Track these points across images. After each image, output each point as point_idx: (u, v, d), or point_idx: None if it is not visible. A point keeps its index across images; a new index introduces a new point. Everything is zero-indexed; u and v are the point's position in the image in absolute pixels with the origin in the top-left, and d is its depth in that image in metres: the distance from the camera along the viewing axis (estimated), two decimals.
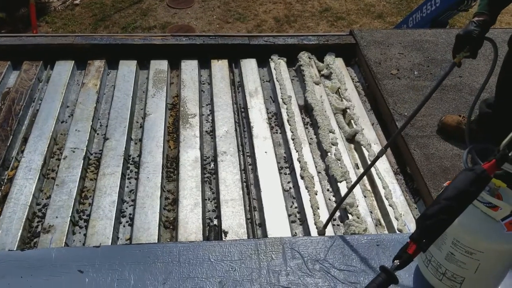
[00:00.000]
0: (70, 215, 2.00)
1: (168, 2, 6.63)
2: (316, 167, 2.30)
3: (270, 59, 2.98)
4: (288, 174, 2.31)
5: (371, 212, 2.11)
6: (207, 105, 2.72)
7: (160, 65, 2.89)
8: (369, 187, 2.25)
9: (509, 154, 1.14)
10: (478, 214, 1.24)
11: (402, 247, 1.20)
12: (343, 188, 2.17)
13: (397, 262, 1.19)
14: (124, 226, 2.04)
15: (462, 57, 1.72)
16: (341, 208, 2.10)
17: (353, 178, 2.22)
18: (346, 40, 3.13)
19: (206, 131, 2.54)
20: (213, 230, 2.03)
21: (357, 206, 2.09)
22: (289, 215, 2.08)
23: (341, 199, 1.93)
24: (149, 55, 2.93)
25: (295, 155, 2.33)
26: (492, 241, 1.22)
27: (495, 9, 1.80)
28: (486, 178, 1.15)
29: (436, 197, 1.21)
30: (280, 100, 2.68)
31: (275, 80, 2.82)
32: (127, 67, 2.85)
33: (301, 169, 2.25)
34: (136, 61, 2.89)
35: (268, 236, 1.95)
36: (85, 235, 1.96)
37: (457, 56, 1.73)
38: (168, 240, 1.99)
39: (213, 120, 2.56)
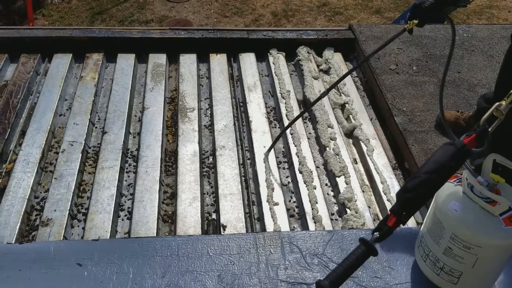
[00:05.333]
0: (68, 208, 2.00)
1: None
2: (314, 161, 2.31)
3: (269, 54, 2.97)
4: (287, 168, 2.31)
5: (369, 207, 2.12)
6: (205, 99, 2.71)
7: (158, 59, 2.88)
8: (367, 182, 2.26)
9: (489, 130, 1.16)
10: (477, 209, 1.25)
11: (382, 219, 1.21)
12: (341, 182, 2.17)
13: (376, 234, 1.19)
14: (122, 220, 2.04)
15: (412, 24, 1.85)
16: (340, 202, 2.11)
17: (352, 173, 2.23)
18: (345, 35, 3.12)
19: (205, 125, 2.53)
20: (212, 224, 2.03)
21: (355, 201, 2.09)
22: (287, 209, 2.08)
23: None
24: (147, 48, 2.92)
25: (293, 150, 2.33)
26: (490, 236, 1.23)
27: None
28: (466, 152, 1.16)
29: (417, 170, 1.21)
30: (278, 95, 2.67)
31: (273, 74, 2.82)
32: (126, 61, 2.84)
33: (300, 164, 2.25)
34: (134, 55, 2.88)
35: (267, 230, 1.95)
36: (83, 228, 1.96)
37: (408, 23, 1.86)
38: (167, 234, 2.00)
39: (211, 114, 2.56)
